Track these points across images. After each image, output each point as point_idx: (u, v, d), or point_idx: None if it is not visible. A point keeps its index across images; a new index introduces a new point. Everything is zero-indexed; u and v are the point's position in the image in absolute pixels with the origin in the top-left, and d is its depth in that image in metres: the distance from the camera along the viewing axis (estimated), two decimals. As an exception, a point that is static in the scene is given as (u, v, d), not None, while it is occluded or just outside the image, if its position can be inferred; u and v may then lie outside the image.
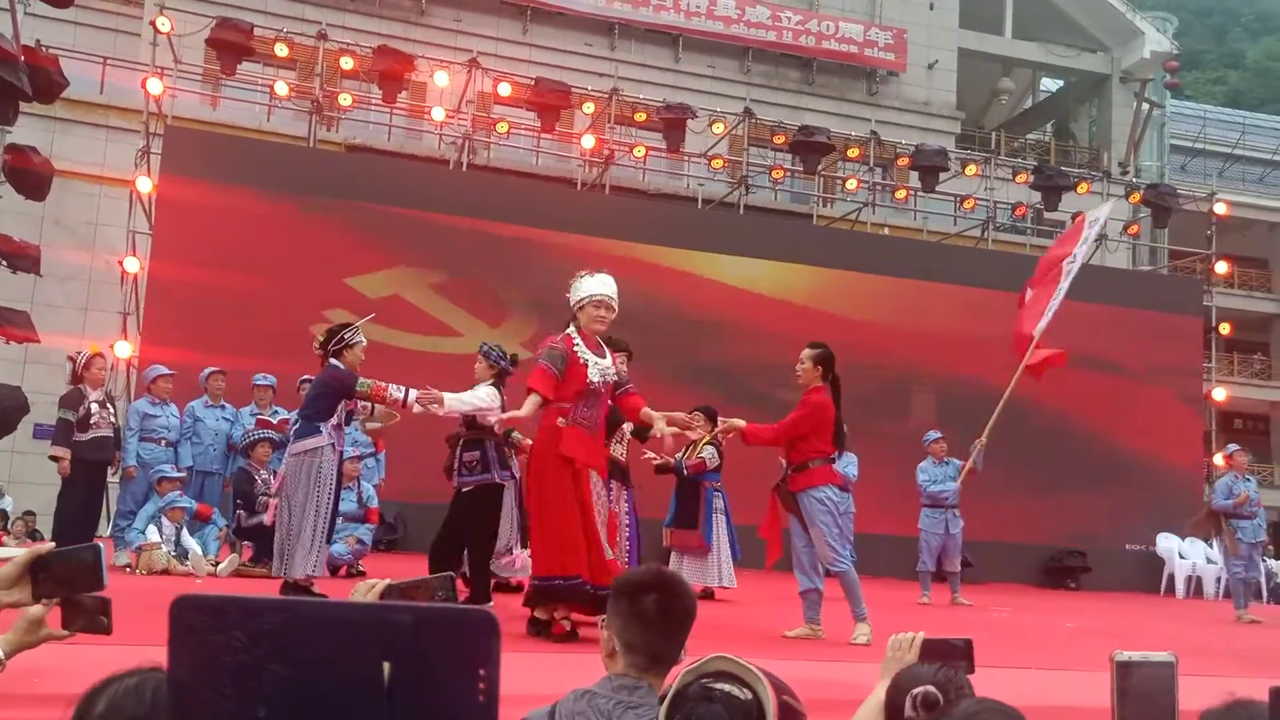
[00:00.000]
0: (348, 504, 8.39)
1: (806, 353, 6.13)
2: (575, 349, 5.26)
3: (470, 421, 6.30)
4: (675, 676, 1.71)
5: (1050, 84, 27.78)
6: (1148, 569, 13.99)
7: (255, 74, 14.91)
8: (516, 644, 4.80)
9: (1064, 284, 10.01)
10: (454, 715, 0.83)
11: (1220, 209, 16.37)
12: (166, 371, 8.81)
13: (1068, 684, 4.55)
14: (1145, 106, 23.54)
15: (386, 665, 0.80)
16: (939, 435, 9.82)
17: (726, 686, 1.66)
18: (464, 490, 6.29)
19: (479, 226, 12.37)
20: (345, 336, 6.15)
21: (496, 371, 6.41)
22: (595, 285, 5.34)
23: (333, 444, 6.04)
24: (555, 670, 4.00)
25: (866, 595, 6.21)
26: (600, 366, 5.27)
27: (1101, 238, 15.85)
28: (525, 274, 12.37)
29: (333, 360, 6.14)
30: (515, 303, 12.43)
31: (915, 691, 1.77)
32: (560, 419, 5.15)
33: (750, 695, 1.65)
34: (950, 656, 2.07)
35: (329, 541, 6.22)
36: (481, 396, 6.16)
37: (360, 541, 8.29)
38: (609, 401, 5.45)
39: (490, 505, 6.36)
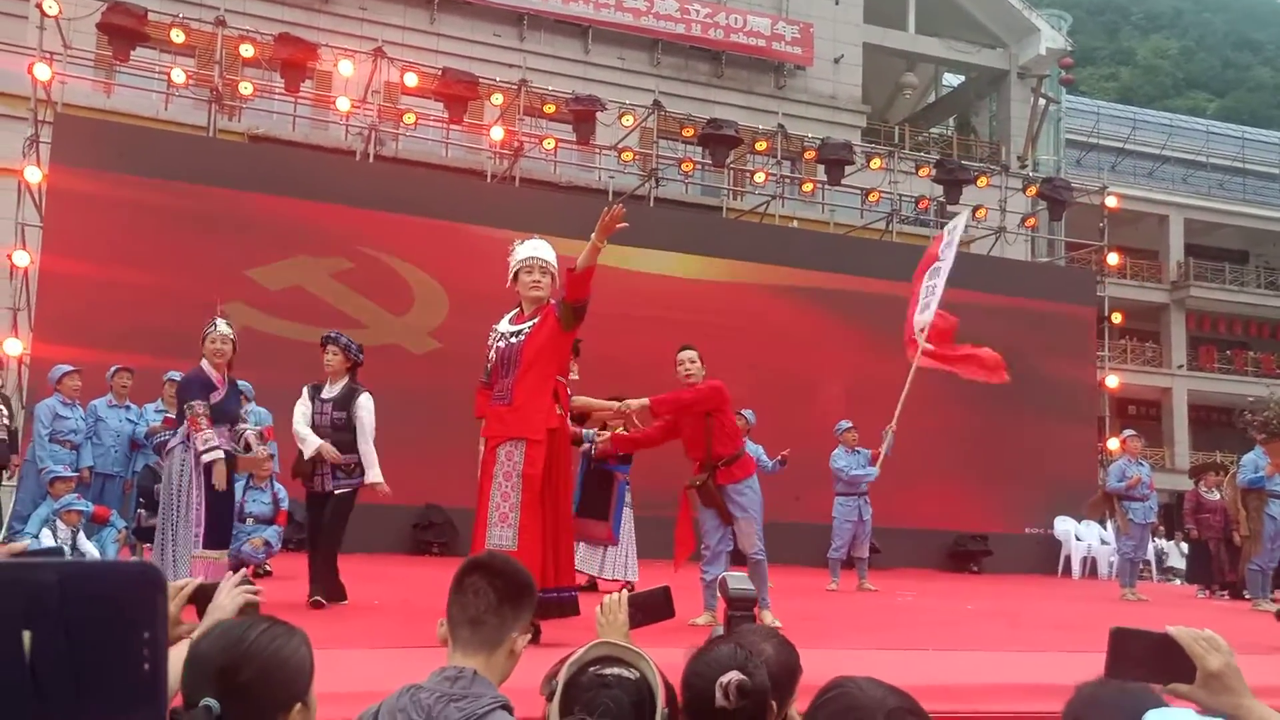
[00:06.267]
0: (260, 505, 8.22)
1: (691, 354, 6.17)
2: (491, 334, 5.16)
3: (338, 423, 6.17)
4: (560, 670, 1.72)
5: (952, 79, 28.47)
6: (1046, 551, 14.49)
7: (152, 60, 14.44)
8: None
9: (937, 284, 9.40)
10: (111, 688, 0.70)
11: (1111, 202, 17.01)
12: (72, 368, 8.50)
13: (961, 664, 4.70)
14: (1042, 102, 24.28)
15: (27, 634, 0.68)
16: (850, 425, 10.00)
17: (616, 670, 1.67)
18: (338, 493, 6.17)
19: (387, 218, 12.19)
20: (205, 331, 5.93)
21: (351, 365, 6.31)
22: (524, 251, 5.10)
23: (183, 443, 5.77)
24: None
25: (776, 582, 6.36)
26: (505, 335, 5.02)
27: (1000, 230, 16.38)
28: (434, 264, 12.25)
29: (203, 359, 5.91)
30: (422, 292, 12.29)
31: (724, 680, 1.73)
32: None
33: (638, 674, 1.67)
34: (654, 607, 2.24)
35: (213, 544, 5.72)
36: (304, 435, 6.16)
37: (268, 543, 8.10)
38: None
39: (351, 508, 6.31)
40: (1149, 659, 1.55)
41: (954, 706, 3.11)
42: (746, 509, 5.99)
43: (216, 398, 5.79)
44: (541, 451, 4.78)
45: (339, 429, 6.18)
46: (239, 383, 6.26)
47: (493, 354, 5.06)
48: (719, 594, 2.44)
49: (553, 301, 5.05)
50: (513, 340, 4.99)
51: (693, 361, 6.14)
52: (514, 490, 4.74)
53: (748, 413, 9.03)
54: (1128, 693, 1.75)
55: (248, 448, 5.95)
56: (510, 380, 4.92)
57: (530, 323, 5.00)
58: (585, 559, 8.08)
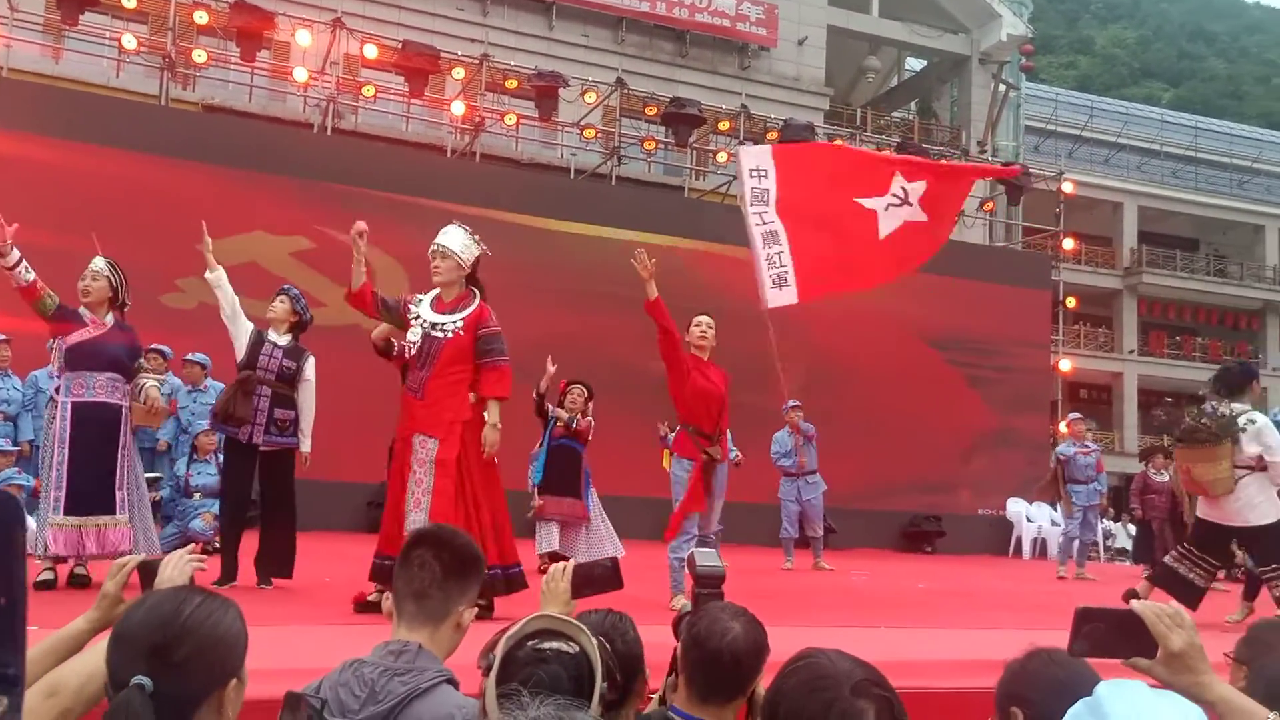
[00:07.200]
0: (206, 478, 8.09)
1: (711, 320, 6.01)
2: (411, 303, 5.17)
3: (285, 374, 5.99)
4: (497, 644, 1.68)
5: (915, 63, 28.56)
6: (998, 532, 14.71)
7: (102, 26, 14.09)
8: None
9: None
10: None
11: (1068, 188, 17.20)
12: (2, 337, 8.31)
13: (911, 640, 4.76)
14: (1002, 88, 24.44)
15: None
16: (795, 404, 10.04)
17: (554, 644, 1.64)
18: (266, 450, 5.91)
19: (344, 192, 12.01)
20: None
21: (297, 319, 6.17)
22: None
23: (51, 396, 5.43)
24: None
25: (734, 562, 6.35)
26: (426, 324, 5.05)
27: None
28: (393, 241, 12.09)
29: None
30: (383, 272, 12.15)
31: None
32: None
33: (577, 649, 1.65)
34: (601, 578, 2.21)
35: (72, 509, 5.18)
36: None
37: (217, 517, 7.96)
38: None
39: (293, 472, 6.07)
40: (1112, 635, 1.55)
41: (903, 682, 3.14)
42: (723, 488, 6.00)
43: (83, 336, 5.39)
44: (455, 442, 4.89)
45: (284, 379, 5.99)
46: (159, 348, 6.07)
47: (412, 341, 5.07)
48: (688, 570, 2.40)
49: (484, 314, 5.09)
50: (435, 334, 5.03)
51: (710, 326, 6.00)
52: (427, 475, 4.85)
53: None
54: (1055, 662, 1.77)
55: (148, 404, 5.51)
56: (425, 374, 5.01)
57: (452, 318, 5.06)
58: (569, 542, 7.92)
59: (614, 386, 10.72)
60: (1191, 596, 5.98)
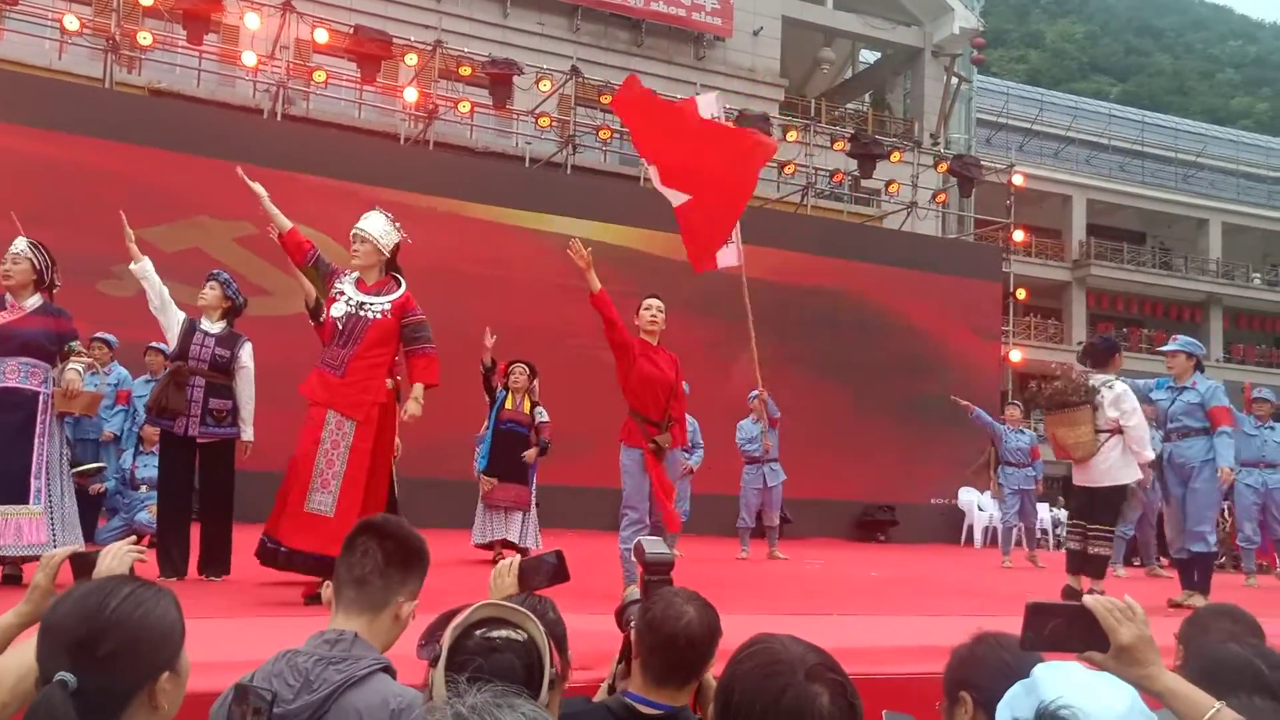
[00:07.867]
0: (152, 470, 7.91)
1: (661, 304, 5.91)
2: (335, 279, 5.17)
3: (219, 362, 5.84)
4: (444, 634, 1.65)
5: (869, 55, 28.74)
6: (950, 521, 14.88)
7: (44, 6, 13.73)
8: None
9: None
10: None
11: (1018, 181, 17.41)
12: None
13: (863, 627, 4.79)
14: (954, 80, 24.66)
15: None
16: (758, 392, 10.06)
17: (503, 632, 1.62)
18: (203, 442, 5.77)
19: (294, 179, 11.81)
20: None
21: (230, 305, 6.04)
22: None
23: None
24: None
25: (689, 552, 6.37)
26: (354, 302, 5.04)
27: (912, 205, 16.64)
28: (344, 229, 11.94)
29: None
30: (332, 259, 12.00)
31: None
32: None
33: (525, 636, 1.62)
34: (547, 571, 2.22)
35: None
36: None
37: (163, 510, 7.81)
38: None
39: (234, 464, 5.91)
40: (1064, 630, 1.57)
41: (855, 667, 3.15)
42: (677, 476, 5.99)
43: (3, 319, 5.08)
44: (371, 429, 4.92)
45: (218, 367, 5.83)
46: (105, 337, 5.84)
47: (335, 316, 5.04)
48: (635, 559, 2.39)
49: (411, 301, 5.14)
50: (362, 314, 5.03)
51: (660, 310, 5.92)
52: (340, 460, 4.86)
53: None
54: (1003, 647, 1.79)
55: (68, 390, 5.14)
56: (347, 353, 4.99)
57: (378, 299, 5.09)
58: (519, 528, 7.85)
59: (569, 377, 10.69)
60: (1099, 568, 6.28)
